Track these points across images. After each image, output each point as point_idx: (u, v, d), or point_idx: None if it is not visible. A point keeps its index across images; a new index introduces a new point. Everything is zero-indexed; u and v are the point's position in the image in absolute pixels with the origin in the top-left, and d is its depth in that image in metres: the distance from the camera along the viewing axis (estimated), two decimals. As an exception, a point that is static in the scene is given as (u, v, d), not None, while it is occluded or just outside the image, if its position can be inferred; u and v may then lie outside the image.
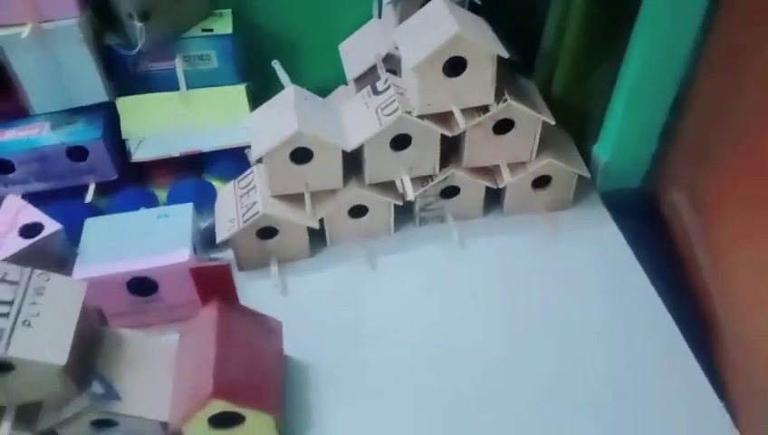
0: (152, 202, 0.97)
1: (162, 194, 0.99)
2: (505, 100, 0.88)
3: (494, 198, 1.03)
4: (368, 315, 0.89)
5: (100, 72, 0.91)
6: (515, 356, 0.83)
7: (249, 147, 0.96)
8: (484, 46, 0.82)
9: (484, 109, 0.88)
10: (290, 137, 0.84)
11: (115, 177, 0.97)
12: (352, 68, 1.02)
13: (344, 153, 0.89)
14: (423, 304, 0.91)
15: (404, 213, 1.01)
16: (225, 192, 0.98)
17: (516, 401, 0.79)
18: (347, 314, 0.89)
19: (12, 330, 0.62)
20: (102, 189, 0.98)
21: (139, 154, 0.97)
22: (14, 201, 0.86)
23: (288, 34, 1.08)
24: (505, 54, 0.83)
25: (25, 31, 0.81)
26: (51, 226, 0.82)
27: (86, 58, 0.88)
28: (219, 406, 0.66)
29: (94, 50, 0.90)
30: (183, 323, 0.77)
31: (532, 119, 0.91)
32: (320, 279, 0.95)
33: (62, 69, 0.88)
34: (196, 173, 1.02)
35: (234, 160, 1.01)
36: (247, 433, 0.71)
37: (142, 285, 0.83)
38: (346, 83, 1.06)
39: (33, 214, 0.84)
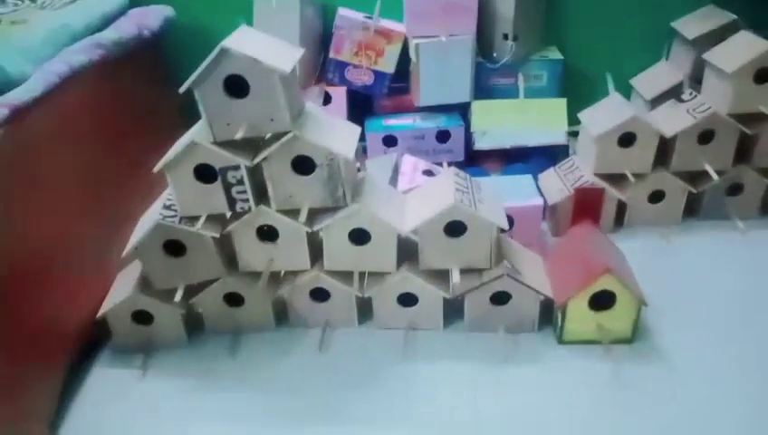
0: (489, 180, 1.24)
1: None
2: (800, 105, 1.07)
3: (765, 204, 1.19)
4: (671, 280, 1.05)
5: (471, 80, 1.22)
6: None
7: (565, 145, 1.23)
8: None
9: (783, 113, 1.08)
10: (624, 122, 1.08)
11: (463, 159, 1.26)
12: (648, 92, 1.27)
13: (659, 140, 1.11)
14: (714, 281, 1.04)
15: (686, 210, 1.19)
16: (546, 175, 1.22)
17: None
18: (656, 274, 1.03)
19: (473, 202, 0.87)
20: (449, 168, 1.26)
21: (481, 144, 1.26)
22: (409, 157, 1.16)
23: (590, 68, 1.37)
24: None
25: (443, 39, 1.15)
26: (439, 172, 1.10)
27: (468, 66, 1.20)
28: (606, 282, 0.86)
29: (473, 62, 1.22)
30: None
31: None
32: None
33: (449, 73, 1.20)
34: (515, 163, 1.29)
35: (545, 156, 1.26)
36: (614, 316, 0.89)
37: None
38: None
39: (425, 164, 1.13)
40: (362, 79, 1.25)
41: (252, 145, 0.85)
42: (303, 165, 0.84)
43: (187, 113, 0.86)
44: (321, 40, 1.30)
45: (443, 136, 1.25)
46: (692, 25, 1.25)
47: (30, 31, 0.88)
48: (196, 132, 0.82)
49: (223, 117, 0.79)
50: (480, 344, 0.94)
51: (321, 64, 1.28)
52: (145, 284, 0.93)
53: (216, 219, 0.88)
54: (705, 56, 1.13)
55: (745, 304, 0.99)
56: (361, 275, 0.95)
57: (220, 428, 0.84)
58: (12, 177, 0.77)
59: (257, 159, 0.82)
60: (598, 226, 0.97)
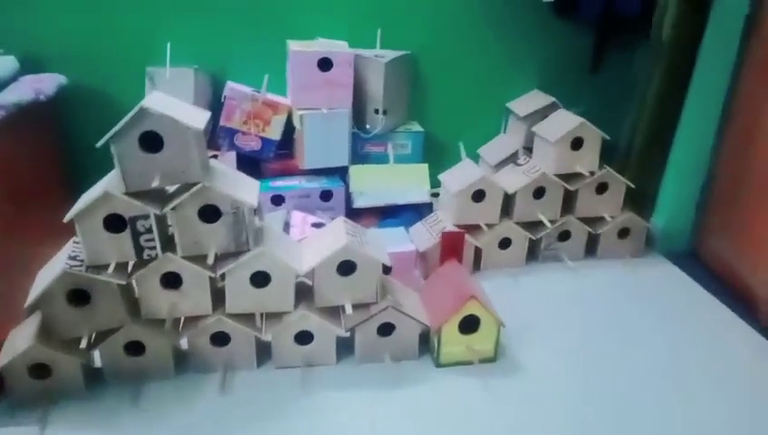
0: (366, 233, 1.38)
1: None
2: (605, 167, 1.36)
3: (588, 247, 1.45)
4: (521, 310, 1.24)
5: (349, 146, 1.38)
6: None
7: (429, 203, 1.42)
8: (597, 132, 1.32)
9: (592, 173, 1.35)
10: (476, 181, 1.29)
11: (344, 215, 1.39)
12: (492, 158, 1.52)
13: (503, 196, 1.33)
14: (554, 309, 1.26)
15: (529, 253, 1.42)
16: (415, 228, 1.38)
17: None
18: (508, 306, 1.23)
19: (361, 244, 1.00)
20: (331, 224, 1.39)
21: (359, 202, 1.41)
22: (297, 212, 1.27)
23: (445, 139, 1.60)
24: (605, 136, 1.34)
25: (324, 111, 1.31)
26: (328, 223, 1.22)
27: (346, 134, 1.36)
28: (472, 307, 1.01)
29: (350, 131, 1.38)
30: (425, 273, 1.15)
31: (620, 183, 1.38)
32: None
33: (330, 140, 1.35)
34: (388, 219, 1.44)
35: (413, 212, 1.44)
36: (479, 338, 1.04)
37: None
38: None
39: (313, 218, 1.25)
40: (251, 144, 1.35)
41: (159, 196, 0.92)
42: (209, 213, 0.92)
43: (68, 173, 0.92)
44: (210, 109, 1.39)
45: (326, 195, 1.39)
46: (522, 105, 1.53)
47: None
48: (108, 183, 0.87)
49: (137, 169, 0.85)
50: (370, 373, 1.04)
51: (211, 131, 1.37)
52: (43, 335, 0.92)
53: (121, 267, 0.92)
54: (534, 129, 1.40)
55: (579, 323, 1.20)
56: (261, 316, 1.02)
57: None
58: None
59: (167, 208, 0.89)
60: (461, 263, 1.14)
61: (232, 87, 1.33)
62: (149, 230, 0.90)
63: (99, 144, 0.83)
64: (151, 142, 0.85)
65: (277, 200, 1.36)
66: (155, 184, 0.84)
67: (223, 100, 1.34)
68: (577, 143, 1.33)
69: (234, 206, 0.91)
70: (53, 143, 1.26)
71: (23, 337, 0.92)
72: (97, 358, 0.99)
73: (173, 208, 0.89)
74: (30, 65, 1.26)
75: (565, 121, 1.35)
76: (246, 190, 0.95)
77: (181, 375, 1.02)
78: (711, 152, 1.41)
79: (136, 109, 0.82)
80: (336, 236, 1.01)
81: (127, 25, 1.36)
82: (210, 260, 0.91)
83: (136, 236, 0.90)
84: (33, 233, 1.10)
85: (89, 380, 0.97)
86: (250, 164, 1.38)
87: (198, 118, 0.88)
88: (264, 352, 1.05)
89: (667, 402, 1.00)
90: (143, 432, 0.91)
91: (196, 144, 0.86)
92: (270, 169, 1.41)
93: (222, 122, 1.32)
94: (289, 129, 1.39)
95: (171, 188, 0.93)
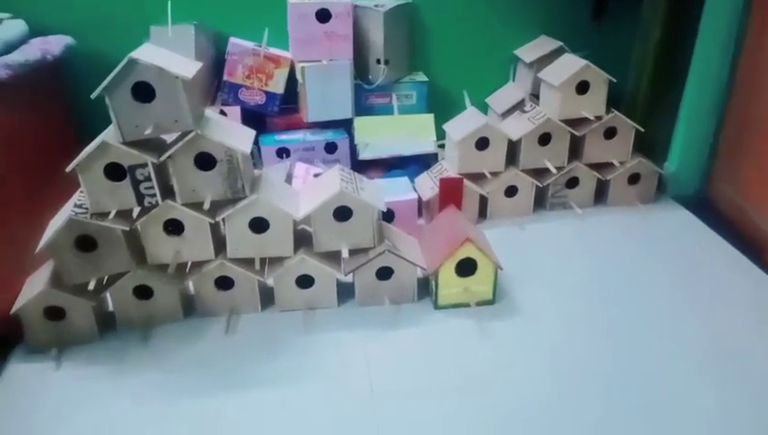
0: (372, 184, 1.39)
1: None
2: (613, 112, 1.33)
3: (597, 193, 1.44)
4: (526, 257, 1.25)
5: (352, 98, 1.39)
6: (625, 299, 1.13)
7: (435, 153, 1.42)
8: (603, 75, 1.30)
9: (599, 118, 1.34)
10: (479, 128, 1.29)
11: (350, 168, 1.41)
12: (499, 107, 1.50)
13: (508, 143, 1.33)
14: (559, 255, 1.27)
15: (536, 203, 1.42)
16: (421, 178, 1.40)
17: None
18: (513, 254, 1.24)
19: (356, 190, 1.02)
20: (337, 177, 1.41)
21: (365, 154, 1.42)
22: (301, 164, 1.30)
23: (451, 88, 1.60)
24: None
25: (324, 63, 1.32)
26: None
27: (348, 86, 1.37)
28: (468, 250, 1.03)
29: (352, 82, 1.39)
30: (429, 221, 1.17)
31: (629, 128, 1.35)
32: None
33: (332, 92, 1.37)
34: (395, 170, 1.46)
35: (420, 164, 1.45)
36: (477, 280, 1.06)
37: (385, 215, 1.22)
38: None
39: (315, 169, 1.27)
40: (255, 99, 1.38)
41: (157, 145, 0.95)
42: (205, 161, 0.95)
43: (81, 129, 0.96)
44: (214, 66, 1.42)
45: (331, 147, 1.41)
46: (529, 52, 1.51)
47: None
48: (106, 134, 0.91)
49: (131, 119, 0.89)
50: (369, 315, 1.07)
51: (216, 88, 1.40)
52: (56, 280, 0.98)
53: (125, 215, 0.97)
54: (540, 75, 1.38)
55: (584, 270, 1.21)
56: (262, 262, 1.06)
57: (136, 406, 0.91)
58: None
59: (164, 157, 0.92)
60: (460, 209, 1.15)
61: (234, 42, 1.35)
62: (148, 178, 0.94)
63: (93, 95, 0.86)
64: (143, 92, 0.88)
65: (282, 153, 1.39)
66: (148, 132, 0.88)
67: (226, 56, 1.36)
68: (582, 87, 1.31)
69: (227, 153, 0.94)
70: (63, 101, 1.32)
71: (37, 283, 0.99)
72: (110, 302, 1.05)
73: (170, 157, 0.93)
74: (38, 29, 1.30)
75: (570, 65, 1.32)
76: (240, 139, 0.97)
77: (189, 319, 1.07)
78: (722, 95, 1.38)
79: (125, 60, 0.85)
80: (331, 182, 1.03)
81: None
82: (206, 206, 0.95)
83: (136, 184, 0.94)
84: (46, 187, 1.16)
85: (102, 323, 1.03)
86: (255, 119, 1.41)
87: (188, 68, 0.91)
88: (268, 297, 1.09)
89: (673, 346, 1.00)
90: (151, 369, 0.97)
91: (185, 93, 0.88)
92: (275, 124, 1.44)
93: (225, 77, 1.35)
94: (293, 83, 1.40)
95: (171, 138, 0.97)
